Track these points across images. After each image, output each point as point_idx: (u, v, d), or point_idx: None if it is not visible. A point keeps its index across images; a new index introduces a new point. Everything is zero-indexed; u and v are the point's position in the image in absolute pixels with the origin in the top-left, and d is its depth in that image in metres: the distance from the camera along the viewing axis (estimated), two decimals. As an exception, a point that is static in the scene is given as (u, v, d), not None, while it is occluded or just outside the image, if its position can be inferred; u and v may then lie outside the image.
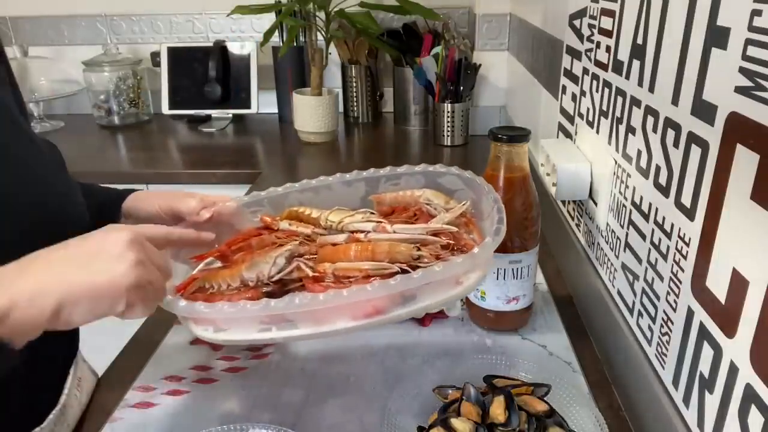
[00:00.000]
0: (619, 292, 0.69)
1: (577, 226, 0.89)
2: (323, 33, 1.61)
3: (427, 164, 0.71)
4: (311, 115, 1.64)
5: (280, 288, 0.58)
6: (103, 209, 0.70)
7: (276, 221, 0.67)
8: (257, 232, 0.67)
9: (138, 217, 0.70)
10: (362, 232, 0.60)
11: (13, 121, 0.59)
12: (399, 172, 0.71)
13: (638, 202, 0.63)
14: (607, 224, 0.74)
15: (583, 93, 0.84)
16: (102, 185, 0.77)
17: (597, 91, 0.77)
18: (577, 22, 0.86)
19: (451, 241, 0.57)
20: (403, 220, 0.62)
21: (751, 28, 0.41)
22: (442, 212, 0.61)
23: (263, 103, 1.88)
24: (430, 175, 0.70)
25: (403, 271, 0.54)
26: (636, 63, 0.64)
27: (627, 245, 0.67)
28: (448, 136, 1.63)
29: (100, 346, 0.83)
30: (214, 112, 1.88)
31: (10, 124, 0.58)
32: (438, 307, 0.56)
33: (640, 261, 0.63)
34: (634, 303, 0.64)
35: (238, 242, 0.65)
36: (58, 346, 0.62)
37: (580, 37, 0.84)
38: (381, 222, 0.60)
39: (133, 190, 0.74)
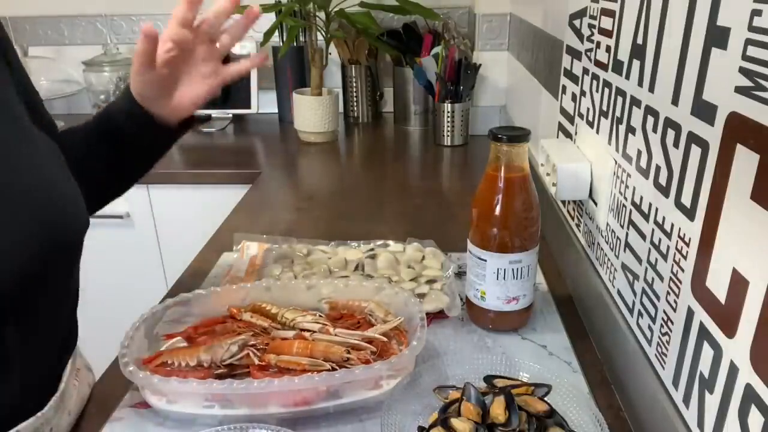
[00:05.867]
0: (619, 292, 0.69)
1: (577, 226, 0.89)
2: (323, 33, 1.61)
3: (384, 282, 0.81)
4: (311, 115, 1.64)
5: (230, 372, 0.66)
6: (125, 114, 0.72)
7: (240, 312, 0.75)
8: (222, 320, 0.75)
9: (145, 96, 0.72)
10: (309, 331, 0.70)
11: (13, 117, 0.59)
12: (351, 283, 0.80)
13: (638, 202, 0.63)
14: (607, 224, 0.74)
15: (583, 93, 0.84)
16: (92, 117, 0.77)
17: (597, 91, 0.77)
18: (577, 22, 0.86)
19: (374, 349, 0.66)
20: (346, 326, 0.71)
21: (751, 28, 0.41)
22: (380, 323, 0.71)
23: (263, 103, 1.88)
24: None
25: (333, 370, 0.63)
26: (636, 63, 0.64)
27: (627, 245, 0.67)
28: (448, 136, 1.63)
29: (99, 346, 0.83)
30: (214, 112, 1.88)
31: (10, 121, 0.58)
32: (361, 404, 0.64)
33: (640, 261, 0.63)
34: (634, 303, 0.64)
35: (205, 327, 0.74)
36: (57, 332, 0.63)
37: (580, 37, 0.84)
38: (326, 325, 0.70)
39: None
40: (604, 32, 0.74)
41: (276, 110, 1.93)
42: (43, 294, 0.57)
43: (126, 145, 0.73)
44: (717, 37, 0.46)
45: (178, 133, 0.77)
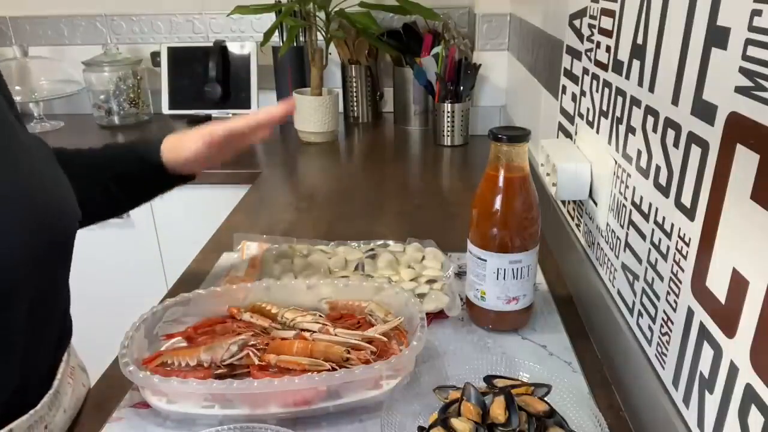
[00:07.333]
0: (619, 292, 0.69)
1: (577, 226, 0.89)
2: (323, 33, 1.61)
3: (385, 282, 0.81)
4: (311, 115, 1.64)
5: (230, 372, 0.66)
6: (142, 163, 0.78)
7: (240, 312, 0.75)
8: (222, 320, 0.75)
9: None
10: (309, 331, 0.70)
11: (4, 119, 0.59)
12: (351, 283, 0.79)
13: (638, 202, 0.63)
14: (607, 224, 0.74)
15: (583, 93, 0.84)
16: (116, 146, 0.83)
17: (597, 91, 0.77)
18: (577, 22, 0.86)
19: (374, 349, 0.66)
20: (346, 326, 0.72)
21: (751, 28, 0.41)
22: (380, 323, 0.71)
23: (263, 103, 1.88)
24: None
25: (333, 369, 0.63)
26: (636, 63, 0.64)
27: (627, 245, 0.67)
28: (448, 136, 1.63)
29: (98, 347, 0.83)
30: (214, 112, 1.88)
31: (1, 123, 0.58)
32: (361, 404, 0.64)
33: (640, 261, 0.63)
34: (634, 303, 0.64)
35: (205, 327, 0.74)
36: (52, 329, 0.63)
37: (580, 37, 0.84)
38: (326, 325, 0.70)
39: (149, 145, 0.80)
40: (604, 32, 0.74)
41: (276, 110, 1.93)
42: (38, 291, 0.58)
43: (126, 181, 0.77)
44: (717, 37, 0.46)
45: (177, 185, 0.82)
